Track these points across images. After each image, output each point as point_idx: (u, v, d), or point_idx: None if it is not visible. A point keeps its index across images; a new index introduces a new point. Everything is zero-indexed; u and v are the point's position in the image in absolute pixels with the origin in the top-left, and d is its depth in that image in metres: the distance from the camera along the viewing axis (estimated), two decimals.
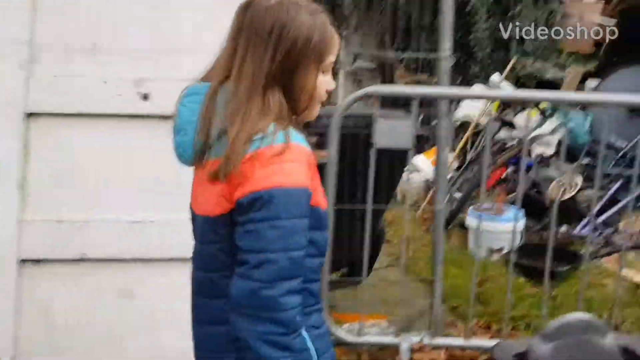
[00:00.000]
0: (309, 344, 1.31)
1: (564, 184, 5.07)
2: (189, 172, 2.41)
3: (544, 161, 5.35)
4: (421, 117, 6.89)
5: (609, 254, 4.34)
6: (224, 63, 1.34)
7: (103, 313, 2.37)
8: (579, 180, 4.95)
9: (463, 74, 7.10)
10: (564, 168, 5.32)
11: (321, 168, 1.43)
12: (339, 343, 2.87)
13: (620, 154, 5.16)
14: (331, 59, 1.35)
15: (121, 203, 2.39)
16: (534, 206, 5.07)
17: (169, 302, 2.40)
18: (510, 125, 5.59)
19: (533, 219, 5.07)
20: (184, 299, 2.35)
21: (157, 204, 2.41)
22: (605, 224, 4.79)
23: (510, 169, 5.63)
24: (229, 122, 1.26)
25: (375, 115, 2.53)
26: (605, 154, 5.36)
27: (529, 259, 4.29)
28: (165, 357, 2.39)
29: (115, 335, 2.38)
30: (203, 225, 1.38)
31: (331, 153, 2.54)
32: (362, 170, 2.67)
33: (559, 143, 5.35)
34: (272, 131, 1.25)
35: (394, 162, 2.63)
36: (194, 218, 1.46)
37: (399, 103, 7.00)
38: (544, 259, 4.26)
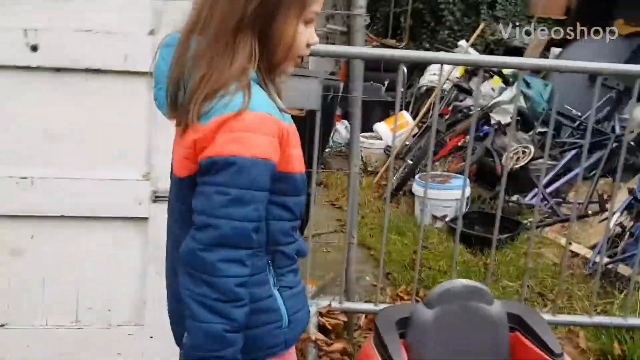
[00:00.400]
0: (279, 304, 1.35)
1: (518, 152, 5.02)
2: (78, 125, 2.37)
3: (501, 129, 5.27)
4: (387, 82, 6.85)
5: (553, 223, 4.30)
6: (196, 8, 1.26)
7: None
8: (531, 148, 4.88)
9: (432, 40, 6.98)
10: (520, 137, 5.26)
11: None
12: None
13: (576, 124, 5.09)
14: (315, 8, 1.26)
15: (10, 159, 2.31)
16: (488, 175, 5.03)
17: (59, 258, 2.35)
18: (467, 92, 5.49)
19: (486, 187, 5.04)
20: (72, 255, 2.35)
21: (47, 160, 2.34)
22: (555, 193, 4.75)
23: (468, 137, 5.56)
24: (194, 67, 1.21)
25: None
26: (562, 124, 5.33)
27: (470, 227, 4.28)
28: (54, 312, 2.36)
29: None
30: (173, 184, 1.44)
31: None
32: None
33: (519, 113, 5.27)
34: (233, 91, 1.18)
35: (306, 124, 2.54)
36: (171, 174, 1.47)
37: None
38: (484, 226, 4.28)
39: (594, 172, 4.65)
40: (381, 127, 5.99)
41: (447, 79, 6.06)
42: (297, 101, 2.46)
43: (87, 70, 2.34)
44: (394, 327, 2.02)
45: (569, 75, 5.45)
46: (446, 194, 4.39)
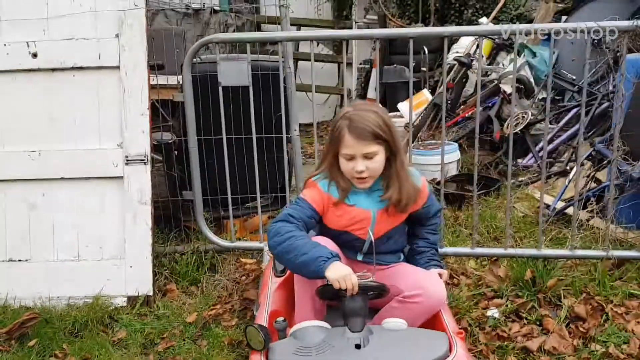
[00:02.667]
0: None
1: (518, 118, 5.34)
2: (70, 110, 3.21)
3: (506, 98, 5.59)
4: (413, 63, 7.26)
5: (534, 181, 4.63)
6: None
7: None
8: (529, 113, 5.18)
9: (459, 21, 7.32)
10: (522, 103, 5.56)
11: None
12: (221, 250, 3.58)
13: (576, 88, 5.32)
14: (345, 151, 2.19)
15: (23, 138, 3.20)
16: (488, 141, 5.41)
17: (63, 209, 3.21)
18: (467, 65, 5.86)
19: (487, 152, 5.42)
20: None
21: (49, 137, 3.20)
22: (554, 155, 5.03)
23: (480, 109, 5.92)
24: None
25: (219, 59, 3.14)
26: (565, 89, 5.57)
27: (461, 188, 4.72)
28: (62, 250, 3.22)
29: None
30: None
31: (186, 92, 3.20)
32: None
33: (520, 81, 5.57)
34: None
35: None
36: None
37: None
38: (467, 185, 4.70)
39: (592, 132, 4.90)
40: (403, 106, 6.46)
41: (469, 55, 6.41)
42: (232, 79, 3.14)
43: (73, 68, 3.19)
44: None
45: (575, 43, 5.69)
46: (435, 160, 4.84)
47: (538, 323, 2.87)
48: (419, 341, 1.96)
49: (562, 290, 3.03)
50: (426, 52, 6.84)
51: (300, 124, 4.67)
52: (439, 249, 2.64)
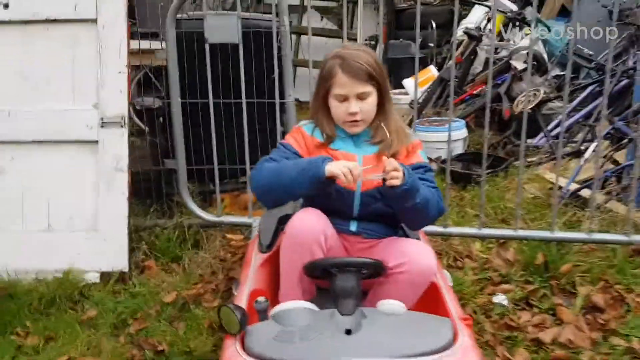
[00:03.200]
0: None
1: (529, 96, 5.05)
2: (42, 67, 2.93)
3: (516, 75, 5.30)
4: (420, 40, 6.97)
5: (545, 162, 4.36)
6: None
7: None
8: (541, 91, 4.90)
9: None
10: (535, 81, 5.27)
11: None
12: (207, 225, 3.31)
13: (592, 64, 5.02)
14: (337, 91, 1.98)
15: None
16: (497, 120, 5.13)
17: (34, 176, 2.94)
18: (476, 38, 5.56)
19: (496, 131, 5.15)
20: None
21: (20, 96, 2.93)
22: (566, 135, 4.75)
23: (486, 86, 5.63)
24: None
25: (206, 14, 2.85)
26: (580, 65, 5.27)
27: (466, 167, 4.45)
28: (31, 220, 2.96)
29: None
30: None
31: (169, 49, 2.92)
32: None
33: (533, 57, 5.26)
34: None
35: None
36: None
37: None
38: (478, 166, 4.43)
39: (610, 110, 4.61)
40: (408, 82, 6.17)
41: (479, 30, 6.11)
42: (220, 35, 2.86)
43: (47, 21, 2.92)
44: (276, 220, 2.39)
45: (591, 16, 5.38)
46: (440, 136, 4.56)
47: (551, 312, 2.61)
48: (418, 327, 1.69)
49: (577, 277, 2.77)
50: (434, 26, 6.55)
51: (301, 101, 4.40)
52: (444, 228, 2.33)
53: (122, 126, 2.90)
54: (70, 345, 2.50)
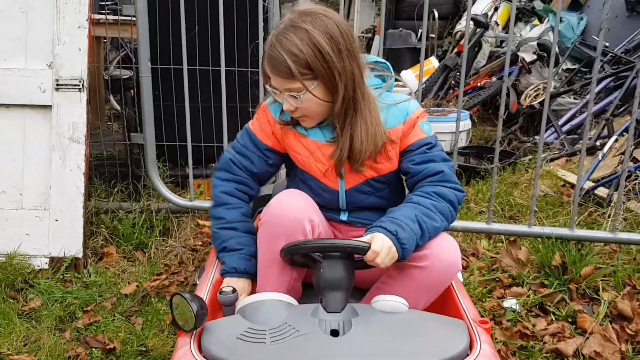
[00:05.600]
0: None
1: (538, 89, 4.74)
2: (3, 21, 2.57)
3: (524, 68, 4.99)
4: (420, 31, 6.67)
5: (557, 158, 4.03)
6: None
7: None
8: (552, 84, 4.58)
9: None
10: (545, 74, 4.96)
11: None
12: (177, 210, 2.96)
13: (606, 58, 4.71)
14: (272, 83, 1.56)
15: None
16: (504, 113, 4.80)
17: None
18: (483, 25, 5.24)
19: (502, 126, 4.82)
20: None
21: None
22: (574, 130, 4.44)
23: (493, 78, 5.33)
24: None
25: None
26: (593, 58, 4.96)
27: (466, 161, 4.13)
28: None
29: None
30: None
31: (138, 4, 2.56)
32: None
33: (543, 48, 4.96)
34: None
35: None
36: None
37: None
38: (480, 160, 4.11)
39: (623, 108, 4.30)
40: (406, 74, 5.85)
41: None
42: None
43: None
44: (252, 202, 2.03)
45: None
46: (442, 127, 4.23)
47: (570, 320, 2.27)
48: (425, 330, 1.34)
49: (600, 282, 2.43)
50: (437, 16, 6.23)
51: None
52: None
53: (80, 90, 2.53)
54: (4, 339, 2.12)
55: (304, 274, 1.65)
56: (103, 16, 3.41)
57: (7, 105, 2.57)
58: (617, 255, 2.61)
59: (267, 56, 1.52)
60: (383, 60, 1.74)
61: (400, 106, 1.65)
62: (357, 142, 1.58)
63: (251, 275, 1.63)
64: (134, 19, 2.81)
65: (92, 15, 2.67)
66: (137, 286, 2.51)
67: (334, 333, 1.31)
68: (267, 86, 1.59)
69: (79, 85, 2.52)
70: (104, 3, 3.70)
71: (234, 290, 1.49)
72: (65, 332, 2.21)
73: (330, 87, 1.53)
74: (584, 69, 4.92)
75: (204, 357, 1.28)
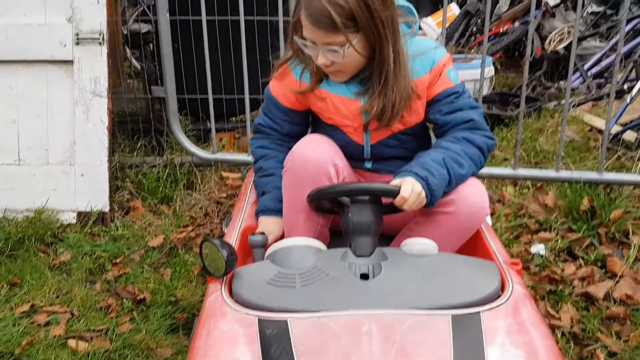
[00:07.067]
0: None
1: (563, 34, 4.59)
2: None
3: (548, 11, 4.83)
4: None
5: (584, 102, 3.93)
6: None
7: None
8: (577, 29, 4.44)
9: None
10: (570, 17, 4.80)
11: None
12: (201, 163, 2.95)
13: None
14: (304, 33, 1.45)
15: None
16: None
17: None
18: None
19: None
20: None
21: None
22: (600, 74, 4.32)
23: (516, 24, 5.18)
24: None
25: None
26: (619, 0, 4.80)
27: (489, 108, 4.05)
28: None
29: None
30: None
31: None
32: None
33: None
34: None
35: None
36: None
37: None
38: (498, 105, 4.03)
39: None
40: (428, 21, 5.72)
41: None
42: None
43: None
44: None
45: None
46: (465, 74, 4.12)
47: (599, 264, 2.24)
48: (456, 272, 1.31)
49: (630, 225, 2.39)
50: None
51: None
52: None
53: (100, 43, 2.50)
54: (37, 291, 2.16)
55: (331, 220, 1.63)
56: None
57: (29, 61, 2.55)
58: None
59: (306, 6, 1.41)
60: (407, 4, 1.63)
61: (428, 54, 1.56)
62: (391, 98, 1.50)
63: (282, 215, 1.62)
64: None
65: None
66: (163, 238, 2.52)
67: (364, 276, 1.29)
68: (297, 38, 1.48)
69: (99, 39, 2.49)
70: None
71: (263, 233, 1.49)
72: (96, 284, 2.24)
73: (372, 40, 1.44)
74: (610, 11, 4.76)
75: (235, 302, 1.28)
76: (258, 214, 1.65)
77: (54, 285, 2.19)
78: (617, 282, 2.07)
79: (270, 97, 1.69)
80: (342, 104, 1.58)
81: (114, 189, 2.69)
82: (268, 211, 1.63)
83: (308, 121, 1.75)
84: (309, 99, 1.64)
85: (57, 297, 2.15)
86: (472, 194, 1.49)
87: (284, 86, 1.65)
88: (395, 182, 1.44)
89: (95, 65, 2.51)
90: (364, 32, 1.42)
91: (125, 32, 3.24)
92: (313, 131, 1.78)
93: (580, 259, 2.28)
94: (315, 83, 1.59)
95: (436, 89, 1.57)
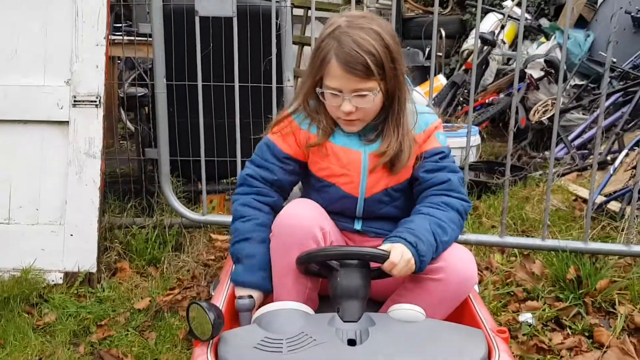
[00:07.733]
0: None
1: (547, 105, 4.73)
2: (9, 36, 2.59)
3: (532, 84, 4.98)
4: (427, 49, 6.71)
5: (568, 173, 4.01)
6: None
7: None
8: (561, 101, 4.57)
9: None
10: (553, 90, 4.95)
11: None
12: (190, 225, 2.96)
13: (614, 73, 4.69)
14: (328, 83, 1.56)
15: None
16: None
17: None
18: (491, 43, 5.24)
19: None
20: None
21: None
22: (584, 145, 4.42)
23: (501, 95, 5.33)
24: None
25: None
26: (600, 74, 4.95)
27: (476, 176, 4.11)
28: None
29: None
30: None
31: (153, 21, 2.58)
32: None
33: (551, 65, 4.96)
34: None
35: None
36: None
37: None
38: (489, 175, 4.09)
39: (633, 122, 4.28)
40: (417, 89, 5.87)
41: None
42: (212, 7, 2.52)
43: None
44: None
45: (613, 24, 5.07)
46: (452, 142, 4.20)
47: (587, 334, 2.23)
48: (443, 339, 1.32)
49: (616, 295, 2.40)
50: (444, 35, 6.25)
51: None
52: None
53: (97, 106, 2.55)
54: (19, 353, 2.12)
55: (319, 284, 1.64)
56: (118, 36, 3.44)
57: (25, 121, 2.58)
58: (632, 268, 2.58)
59: (339, 55, 1.51)
60: None
61: (424, 115, 1.68)
62: (404, 141, 1.60)
63: (257, 287, 1.58)
64: (149, 39, 2.85)
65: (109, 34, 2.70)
66: (150, 301, 2.50)
67: (351, 342, 1.29)
68: (320, 88, 1.59)
69: (95, 102, 2.54)
70: (119, 25, 3.74)
71: (251, 297, 1.49)
72: (80, 346, 2.20)
73: (390, 89, 1.57)
74: (592, 85, 4.91)
75: None
76: (235, 284, 1.61)
77: (37, 347, 2.15)
78: (605, 352, 2.06)
79: (268, 144, 1.71)
80: (343, 153, 1.66)
81: (102, 250, 2.67)
82: (241, 284, 1.59)
83: (300, 174, 1.76)
84: (309, 151, 1.70)
85: (40, 359, 2.11)
86: (461, 263, 1.51)
87: (287, 133, 1.70)
88: (384, 247, 1.46)
89: (90, 126, 2.54)
90: (388, 79, 1.55)
91: (121, 94, 3.31)
92: (303, 188, 1.81)
93: (568, 329, 2.27)
94: (326, 137, 1.66)
95: (425, 147, 1.66)
